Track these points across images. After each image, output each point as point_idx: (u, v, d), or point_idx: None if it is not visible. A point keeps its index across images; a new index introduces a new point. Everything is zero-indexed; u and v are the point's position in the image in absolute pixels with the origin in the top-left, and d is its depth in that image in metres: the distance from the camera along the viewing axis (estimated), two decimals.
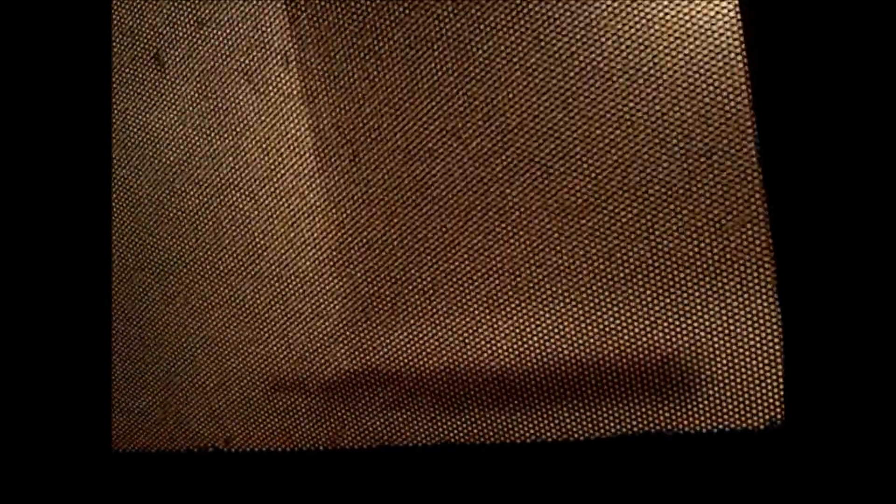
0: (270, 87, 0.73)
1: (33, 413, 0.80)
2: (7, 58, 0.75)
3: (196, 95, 0.74)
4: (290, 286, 0.76)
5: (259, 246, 0.76)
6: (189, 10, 0.73)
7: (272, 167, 0.74)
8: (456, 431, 0.74)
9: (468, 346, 0.72)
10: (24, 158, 0.77)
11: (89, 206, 0.78)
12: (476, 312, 0.71)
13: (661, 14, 0.61)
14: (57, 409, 0.80)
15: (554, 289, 0.69)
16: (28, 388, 0.80)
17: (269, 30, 0.72)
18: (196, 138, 0.75)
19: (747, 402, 0.66)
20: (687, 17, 0.61)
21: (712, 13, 0.60)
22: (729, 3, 0.59)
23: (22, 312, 0.79)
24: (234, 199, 0.75)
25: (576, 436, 0.71)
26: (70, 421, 0.81)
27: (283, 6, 0.72)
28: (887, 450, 0.62)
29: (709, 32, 0.60)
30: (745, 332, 0.65)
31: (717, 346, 0.66)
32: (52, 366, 0.79)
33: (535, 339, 0.70)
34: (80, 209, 0.77)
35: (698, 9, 0.60)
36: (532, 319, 0.70)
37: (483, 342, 0.72)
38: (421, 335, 0.73)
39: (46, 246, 0.78)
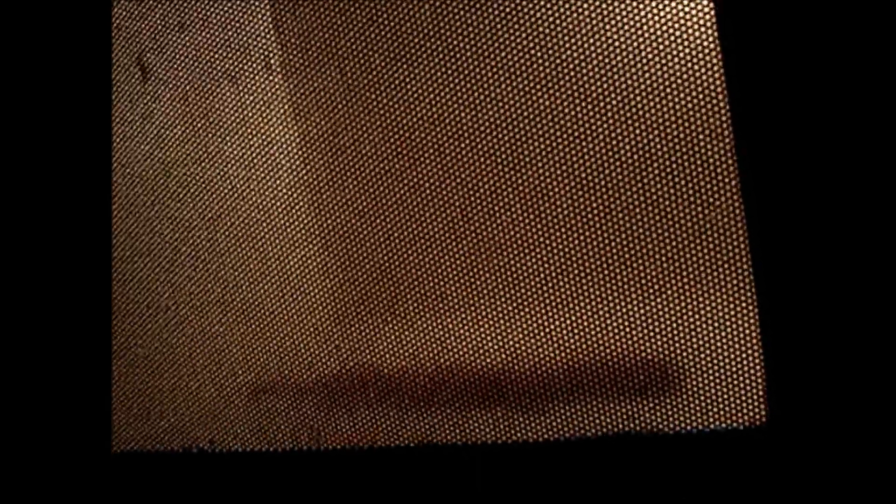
0: (255, 92, 0.73)
1: (33, 414, 0.81)
2: (7, 62, 0.76)
3: (180, 100, 0.74)
4: (275, 288, 0.76)
5: (245, 248, 0.76)
6: (172, 14, 0.73)
7: (257, 170, 0.74)
8: (439, 432, 0.74)
9: (452, 347, 0.72)
10: (23, 163, 0.78)
11: (90, 209, 0.78)
12: (459, 313, 0.72)
13: (638, 12, 0.61)
14: (57, 411, 0.81)
15: (537, 289, 0.69)
16: (28, 390, 0.81)
17: (253, 34, 0.72)
18: (180, 143, 0.75)
19: (730, 401, 0.66)
20: (664, 15, 0.60)
21: (689, 11, 0.60)
22: (705, 1, 0.59)
23: (22, 314, 0.80)
24: (219, 202, 0.76)
25: (558, 436, 0.71)
26: (70, 422, 0.81)
27: (269, 10, 0.72)
28: (870, 447, 0.62)
29: (686, 30, 0.60)
30: (726, 332, 0.65)
31: (698, 345, 0.66)
32: (53, 367, 0.80)
33: (519, 339, 0.70)
34: (81, 212, 0.78)
35: (676, 7, 0.60)
36: (515, 320, 0.70)
37: (466, 342, 0.72)
38: (404, 336, 0.73)
39: (47, 248, 0.79)
